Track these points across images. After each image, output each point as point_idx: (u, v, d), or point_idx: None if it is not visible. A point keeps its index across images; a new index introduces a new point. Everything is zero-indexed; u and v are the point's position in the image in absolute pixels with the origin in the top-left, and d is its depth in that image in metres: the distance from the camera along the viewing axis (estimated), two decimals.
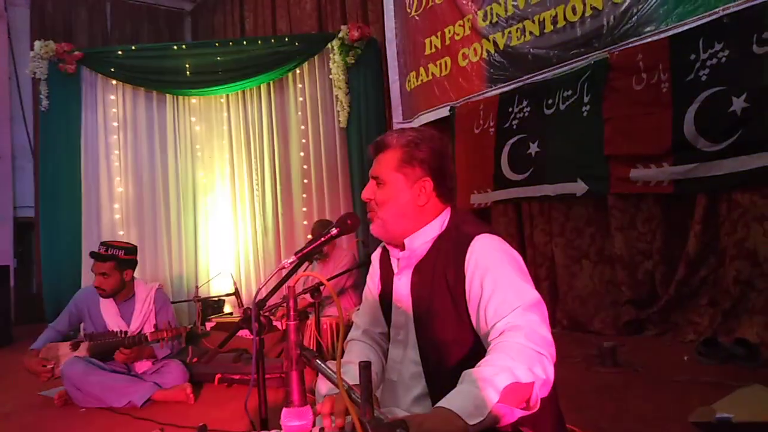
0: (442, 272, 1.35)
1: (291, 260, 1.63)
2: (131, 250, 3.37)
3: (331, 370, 1.09)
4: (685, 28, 3.60)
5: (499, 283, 1.25)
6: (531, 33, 4.65)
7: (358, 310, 3.71)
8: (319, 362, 1.09)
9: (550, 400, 1.32)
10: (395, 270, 1.48)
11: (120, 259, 3.27)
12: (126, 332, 3.21)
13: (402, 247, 1.45)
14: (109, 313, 3.29)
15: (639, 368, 3.10)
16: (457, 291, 1.32)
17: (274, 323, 3.73)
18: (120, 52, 6.34)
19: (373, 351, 1.54)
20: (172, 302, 3.79)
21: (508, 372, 1.10)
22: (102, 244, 3.34)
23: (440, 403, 1.09)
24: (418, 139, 1.43)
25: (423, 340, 1.39)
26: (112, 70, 6.28)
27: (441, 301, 1.34)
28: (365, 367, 0.92)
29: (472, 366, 1.15)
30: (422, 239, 1.42)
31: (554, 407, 1.36)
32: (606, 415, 2.38)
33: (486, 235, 1.34)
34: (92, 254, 3.31)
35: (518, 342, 1.16)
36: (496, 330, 1.22)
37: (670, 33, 3.67)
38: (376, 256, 1.61)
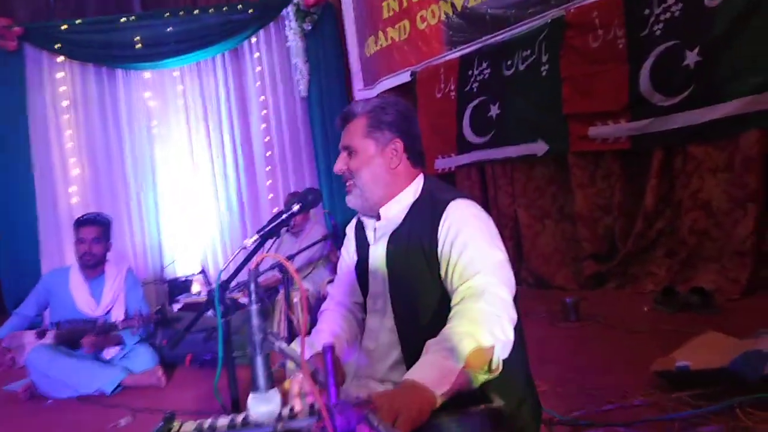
0: (418, 239, 1.36)
1: (253, 239, 1.61)
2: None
3: (295, 352, 1.09)
4: None
5: (467, 246, 1.28)
6: None
7: (331, 278, 3.71)
8: (284, 346, 1.09)
9: (519, 363, 1.36)
10: (371, 241, 1.49)
11: (108, 226, 3.34)
12: (95, 319, 3.16)
13: (378, 217, 1.46)
14: (79, 290, 3.25)
15: (601, 321, 3.21)
16: (432, 256, 1.33)
17: (241, 301, 3.71)
18: (65, 27, 6.01)
19: (345, 319, 1.56)
20: None
21: (469, 338, 1.14)
22: (84, 214, 3.39)
23: (407, 376, 1.12)
24: (383, 103, 1.45)
25: (399, 307, 1.40)
26: (58, 46, 5.96)
27: (417, 268, 1.36)
28: (328, 350, 0.92)
29: None
30: (397, 207, 1.43)
31: (523, 369, 1.40)
32: (572, 368, 2.47)
33: (461, 200, 1.36)
34: (85, 219, 3.30)
35: (478, 306, 1.19)
36: (458, 294, 1.26)
37: None
38: (350, 228, 1.62)
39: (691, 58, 3.34)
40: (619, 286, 3.94)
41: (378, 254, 1.46)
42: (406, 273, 1.38)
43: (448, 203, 1.35)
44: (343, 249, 1.64)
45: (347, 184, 1.47)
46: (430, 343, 1.18)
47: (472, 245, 1.28)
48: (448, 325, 1.20)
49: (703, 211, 3.51)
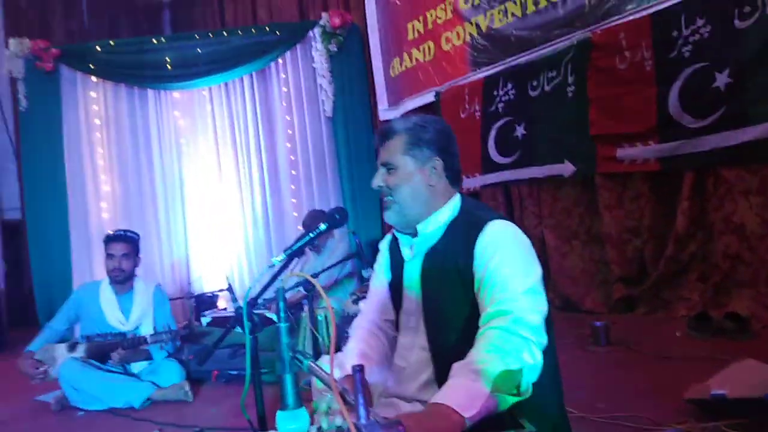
0: (454, 257, 1.36)
1: (280, 258, 1.62)
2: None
3: (324, 371, 1.09)
4: (667, 4, 3.59)
5: (500, 269, 1.27)
6: (513, 14, 4.62)
7: (355, 297, 3.69)
8: (313, 364, 1.09)
9: (553, 389, 1.35)
10: (406, 257, 1.49)
11: (137, 242, 3.40)
12: (124, 333, 3.22)
13: (414, 234, 1.46)
14: (109, 305, 3.30)
15: (632, 346, 3.14)
16: (467, 275, 1.33)
17: (268, 315, 3.73)
18: (98, 48, 6.22)
19: (375, 337, 1.55)
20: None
21: (497, 361, 1.13)
22: (115, 230, 3.46)
23: (435, 399, 1.12)
24: (423, 122, 1.46)
25: (432, 325, 1.40)
26: (92, 66, 6.16)
27: (451, 287, 1.36)
28: (359, 370, 0.92)
29: None
30: (434, 224, 1.43)
31: (556, 395, 1.39)
32: (602, 395, 2.41)
33: (499, 221, 1.36)
34: (115, 235, 3.35)
35: (506, 329, 1.19)
36: (486, 316, 1.25)
37: (652, 10, 3.66)
38: (384, 244, 1.62)
39: (721, 79, 3.30)
40: (650, 310, 3.85)
41: (413, 271, 1.46)
42: (441, 290, 1.38)
43: (486, 223, 1.34)
44: (376, 265, 1.64)
45: (385, 200, 1.47)
46: (457, 365, 1.18)
47: (505, 268, 1.27)
48: (476, 348, 1.19)
49: (737, 235, 3.43)
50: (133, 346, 3.13)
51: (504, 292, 1.24)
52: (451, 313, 1.36)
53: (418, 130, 1.44)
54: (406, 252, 1.50)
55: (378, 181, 1.46)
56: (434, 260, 1.41)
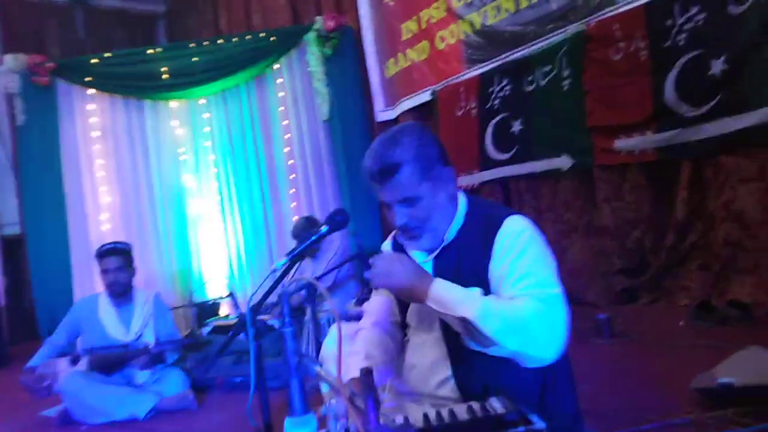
0: (469, 255, 1.36)
1: (282, 262, 1.62)
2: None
3: (331, 375, 1.08)
4: None
5: (524, 264, 1.29)
6: (507, 10, 4.62)
7: (357, 299, 3.68)
8: (319, 369, 1.09)
9: (567, 386, 1.37)
10: (418, 259, 1.46)
11: (129, 253, 3.36)
12: (127, 344, 3.20)
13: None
14: (108, 317, 3.29)
15: (635, 337, 3.13)
16: (482, 273, 1.33)
17: (269, 323, 3.72)
18: (94, 61, 6.22)
19: (380, 339, 1.54)
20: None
21: (518, 333, 1.22)
22: (104, 245, 3.39)
23: (438, 281, 1.29)
24: (418, 139, 1.37)
25: (447, 324, 1.38)
26: (88, 79, 6.16)
27: (466, 281, 1.34)
28: (367, 373, 0.92)
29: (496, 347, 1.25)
30: (454, 228, 1.42)
31: (570, 391, 1.40)
32: (608, 387, 2.41)
33: (516, 217, 1.36)
34: (106, 250, 3.31)
35: (529, 309, 1.24)
36: (511, 293, 1.28)
37: (645, 0, 3.65)
38: (386, 247, 1.61)
39: (717, 67, 3.29)
40: (651, 301, 3.84)
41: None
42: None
43: (502, 220, 1.34)
44: None
45: (412, 233, 1.40)
46: (486, 298, 1.27)
47: (528, 263, 1.30)
48: (522, 301, 1.25)
49: (737, 223, 3.42)
50: (136, 355, 3.11)
51: (531, 281, 1.28)
52: None
53: (422, 151, 1.35)
54: (415, 254, 1.47)
55: (403, 219, 1.37)
56: (448, 259, 1.40)
